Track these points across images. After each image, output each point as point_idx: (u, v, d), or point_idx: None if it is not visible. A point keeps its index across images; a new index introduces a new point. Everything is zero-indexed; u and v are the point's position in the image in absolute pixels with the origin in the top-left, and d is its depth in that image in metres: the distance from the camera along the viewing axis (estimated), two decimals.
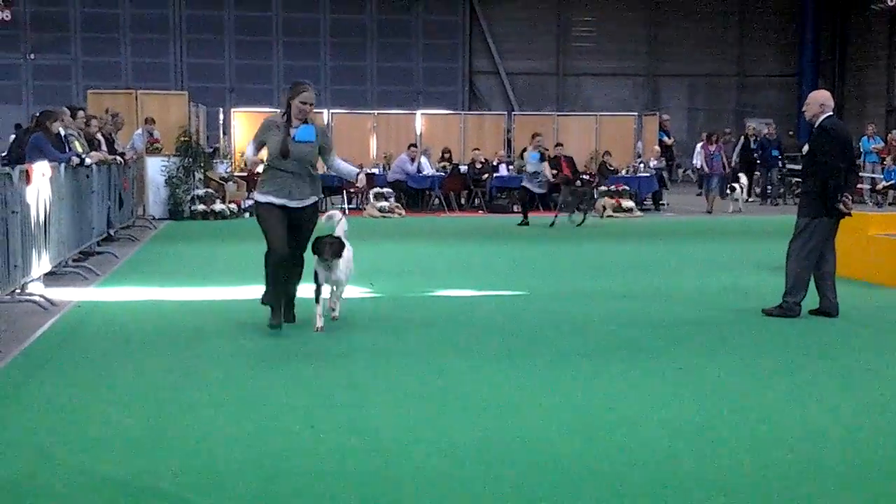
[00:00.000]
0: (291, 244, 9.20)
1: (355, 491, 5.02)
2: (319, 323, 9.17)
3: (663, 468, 5.38)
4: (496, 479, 5.20)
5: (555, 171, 22.41)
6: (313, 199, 9.29)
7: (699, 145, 26.19)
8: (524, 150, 22.61)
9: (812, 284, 10.11)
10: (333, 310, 9.62)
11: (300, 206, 9.14)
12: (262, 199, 9.12)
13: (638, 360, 8.08)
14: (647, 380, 7.42)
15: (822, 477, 5.28)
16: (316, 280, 9.28)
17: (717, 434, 6.02)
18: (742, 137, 29.09)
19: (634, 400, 6.83)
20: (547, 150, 22.25)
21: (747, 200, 28.23)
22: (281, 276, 9.21)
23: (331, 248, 9.04)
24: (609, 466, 5.40)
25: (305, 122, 9.10)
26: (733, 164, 28.32)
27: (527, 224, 20.48)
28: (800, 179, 11.12)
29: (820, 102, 10.10)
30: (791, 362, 8.10)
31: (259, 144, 9.30)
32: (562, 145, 25.54)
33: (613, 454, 5.61)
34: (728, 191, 25.04)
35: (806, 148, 10.43)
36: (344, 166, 9.90)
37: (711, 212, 24.65)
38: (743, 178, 26.34)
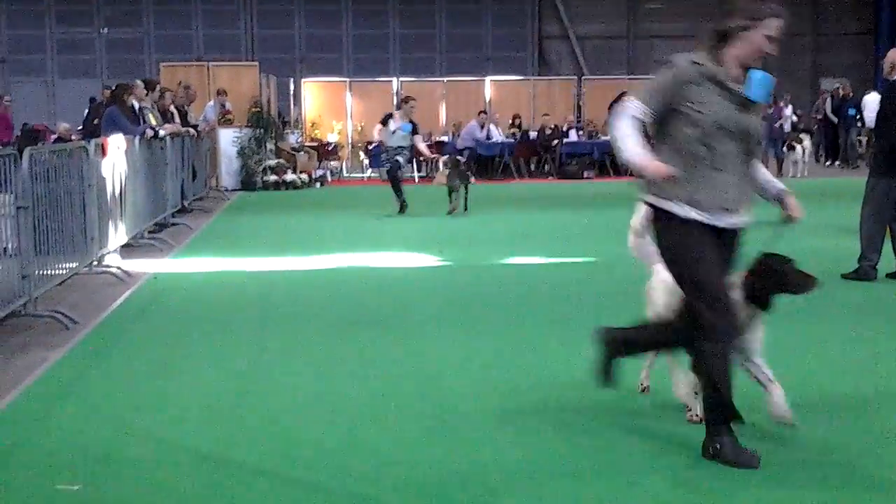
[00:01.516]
0: None
1: (429, 462, 5.05)
2: (699, 411, 5.38)
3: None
4: (575, 447, 5.20)
5: (430, 145, 20.87)
6: (747, 214, 5.24)
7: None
8: (388, 116, 17.23)
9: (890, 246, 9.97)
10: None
11: (735, 225, 5.15)
12: (683, 212, 4.98)
13: None
14: None
15: None
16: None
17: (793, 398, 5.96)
18: (830, 97, 28.37)
19: None
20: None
21: (826, 164, 27.64)
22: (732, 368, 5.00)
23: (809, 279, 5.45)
24: (685, 430, 5.37)
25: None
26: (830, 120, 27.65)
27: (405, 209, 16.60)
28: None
29: (891, 61, 9.96)
30: (866, 327, 7.97)
31: (666, 107, 4.99)
32: None
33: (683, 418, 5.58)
34: (786, 150, 24.18)
35: (877, 106, 10.25)
36: None
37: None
38: (806, 140, 25.34)
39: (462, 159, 18.63)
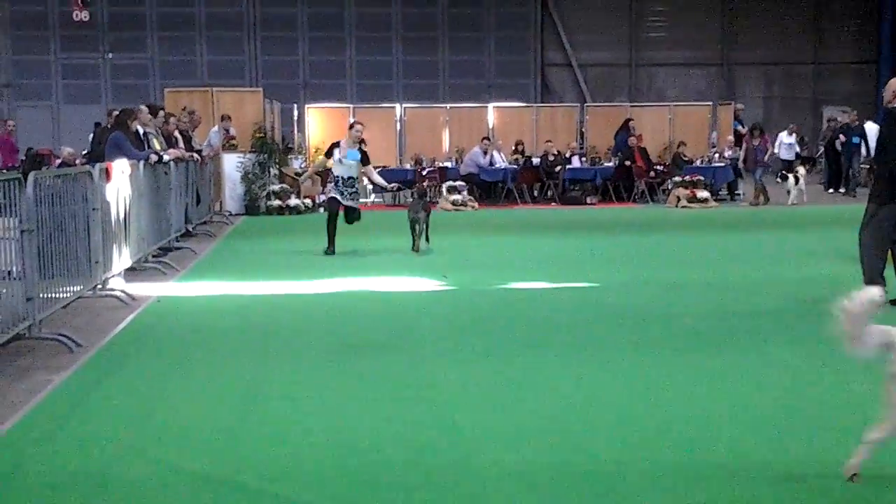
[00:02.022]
0: None
1: (434, 484, 5.06)
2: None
3: (740, 462, 5.33)
4: (572, 470, 5.21)
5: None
6: None
7: (783, 134, 25.86)
8: (334, 145, 15.31)
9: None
10: None
11: None
12: None
13: (717, 353, 8.01)
14: (726, 372, 7.36)
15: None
16: None
17: (798, 427, 5.96)
18: (838, 126, 28.38)
19: (713, 393, 6.78)
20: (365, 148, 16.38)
21: (830, 192, 27.58)
22: None
23: None
24: (685, 460, 5.37)
25: None
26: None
27: (332, 252, 14.60)
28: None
29: (893, 89, 10.02)
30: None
31: None
32: (638, 137, 25.26)
33: (688, 448, 5.58)
34: (779, 180, 24.20)
35: (878, 134, 10.24)
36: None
37: (757, 204, 23.63)
38: (801, 169, 25.22)
39: (429, 187, 17.25)
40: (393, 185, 17.77)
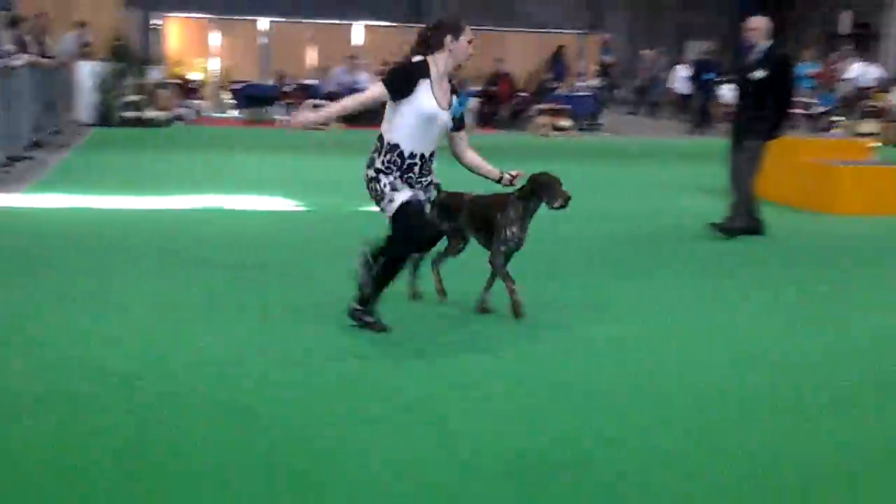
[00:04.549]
0: None
1: (284, 398, 4.99)
2: None
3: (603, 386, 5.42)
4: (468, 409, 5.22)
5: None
6: None
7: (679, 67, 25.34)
8: (409, 73, 6.40)
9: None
10: None
11: None
12: None
13: (571, 279, 8.11)
14: (587, 299, 7.46)
15: (759, 398, 5.34)
16: None
17: (649, 356, 6.08)
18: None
19: (578, 320, 6.87)
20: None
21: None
22: None
23: None
24: (566, 394, 5.43)
25: None
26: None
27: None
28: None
29: (767, 28, 10.30)
30: (724, 279, 8.19)
31: None
32: (502, 60, 25.26)
33: (556, 375, 5.64)
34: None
35: (761, 73, 10.22)
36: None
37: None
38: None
39: None
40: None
